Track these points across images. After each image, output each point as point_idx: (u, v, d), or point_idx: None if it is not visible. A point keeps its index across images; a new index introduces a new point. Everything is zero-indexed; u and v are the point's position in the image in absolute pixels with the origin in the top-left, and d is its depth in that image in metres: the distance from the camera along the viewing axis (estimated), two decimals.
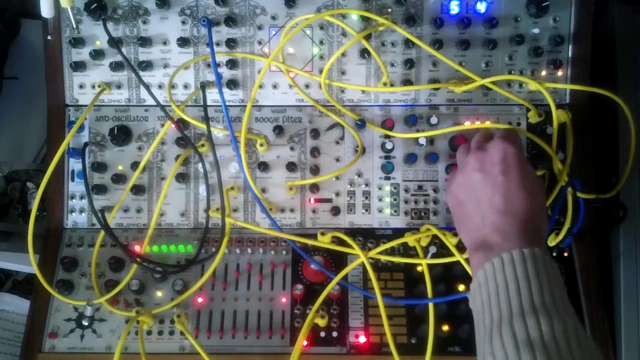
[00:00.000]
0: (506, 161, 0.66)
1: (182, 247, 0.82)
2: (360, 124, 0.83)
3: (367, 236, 0.83)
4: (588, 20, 0.83)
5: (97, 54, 0.83)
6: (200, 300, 0.79)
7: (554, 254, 0.81)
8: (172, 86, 0.85)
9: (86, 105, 0.84)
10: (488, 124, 0.82)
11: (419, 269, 0.78)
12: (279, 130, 0.83)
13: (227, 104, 0.82)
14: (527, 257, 0.58)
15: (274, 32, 0.84)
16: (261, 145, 0.83)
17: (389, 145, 0.82)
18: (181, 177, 0.83)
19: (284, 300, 0.79)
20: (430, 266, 0.77)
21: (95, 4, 0.80)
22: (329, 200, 0.84)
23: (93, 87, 0.85)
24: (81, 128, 0.84)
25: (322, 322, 0.75)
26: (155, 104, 0.80)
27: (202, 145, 0.82)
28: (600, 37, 0.87)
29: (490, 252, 0.61)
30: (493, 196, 0.65)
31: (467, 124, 0.83)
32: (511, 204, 0.64)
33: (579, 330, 0.54)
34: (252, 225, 0.81)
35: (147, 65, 0.84)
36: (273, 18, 0.84)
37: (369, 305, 0.79)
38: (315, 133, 0.84)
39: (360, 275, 0.80)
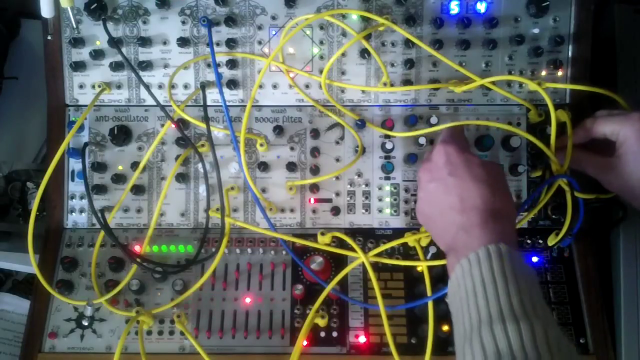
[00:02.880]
0: (450, 161, 0.67)
1: (182, 247, 0.82)
2: (360, 124, 0.83)
3: (367, 236, 0.83)
4: (588, 20, 0.83)
5: (97, 54, 0.83)
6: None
7: (554, 254, 0.82)
8: (172, 86, 0.85)
9: (86, 105, 0.84)
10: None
11: (419, 269, 0.78)
12: (279, 130, 0.83)
13: (227, 104, 0.82)
14: (492, 254, 0.58)
15: (274, 32, 0.84)
16: (261, 145, 0.83)
17: (389, 145, 0.82)
18: (181, 177, 0.83)
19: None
20: (430, 266, 0.77)
21: (95, 4, 0.80)
22: (329, 200, 0.84)
23: (93, 87, 0.85)
24: (81, 128, 0.84)
25: (322, 322, 0.75)
26: (155, 104, 0.80)
27: (202, 145, 0.82)
28: (600, 37, 0.87)
29: (458, 252, 0.61)
30: (449, 197, 0.65)
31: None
32: (467, 198, 0.64)
33: (550, 333, 0.52)
34: (251, 226, 0.81)
35: (147, 65, 0.84)
36: (273, 18, 0.84)
37: None
38: (315, 133, 0.84)
39: (360, 275, 0.80)
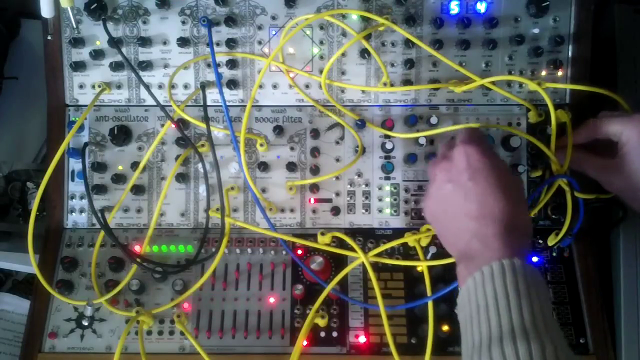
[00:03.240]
0: (472, 165, 0.64)
1: (182, 247, 0.82)
2: (360, 124, 0.83)
3: (367, 236, 0.83)
4: (588, 20, 0.83)
5: (97, 54, 0.83)
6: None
7: (554, 254, 0.82)
8: (172, 86, 0.85)
9: (86, 105, 0.84)
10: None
11: (419, 269, 0.78)
12: (279, 130, 0.83)
13: (227, 104, 0.82)
14: (506, 269, 0.56)
15: (274, 32, 0.84)
16: (261, 145, 0.83)
17: (389, 145, 0.82)
18: (181, 177, 0.83)
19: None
20: (430, 266, 0.77)
21: (95, 4, 0.80)
22: (329, 200, 0.84)
23: (93, 87, 0.85)
24: (81, 128, 0.84)
25: (322, 322, 0.75)
26: (155, 104, 0.80)
27: (202, 145, 0.82)
28: (600, 37, 0.87)
29: (472, 262, 0.60)
30: (466, 204, 0.63)
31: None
32: (486, 206, 0.62)
33: (561, 354, 0.51)
34: (251, 226, 0.81)
35: (147, 65, 0.84)
36: (273, 18, 0.84)
37: None
38: (315, 133, 0.84)
39: (360, 275, 0.80)
